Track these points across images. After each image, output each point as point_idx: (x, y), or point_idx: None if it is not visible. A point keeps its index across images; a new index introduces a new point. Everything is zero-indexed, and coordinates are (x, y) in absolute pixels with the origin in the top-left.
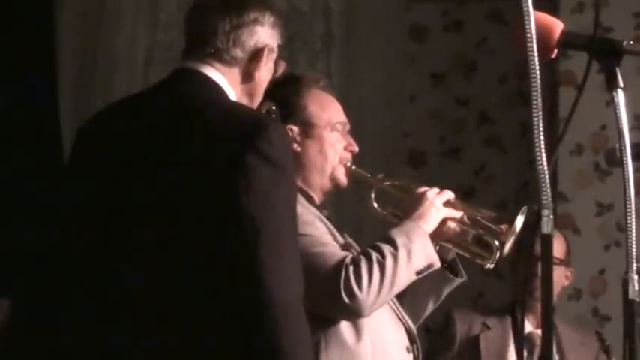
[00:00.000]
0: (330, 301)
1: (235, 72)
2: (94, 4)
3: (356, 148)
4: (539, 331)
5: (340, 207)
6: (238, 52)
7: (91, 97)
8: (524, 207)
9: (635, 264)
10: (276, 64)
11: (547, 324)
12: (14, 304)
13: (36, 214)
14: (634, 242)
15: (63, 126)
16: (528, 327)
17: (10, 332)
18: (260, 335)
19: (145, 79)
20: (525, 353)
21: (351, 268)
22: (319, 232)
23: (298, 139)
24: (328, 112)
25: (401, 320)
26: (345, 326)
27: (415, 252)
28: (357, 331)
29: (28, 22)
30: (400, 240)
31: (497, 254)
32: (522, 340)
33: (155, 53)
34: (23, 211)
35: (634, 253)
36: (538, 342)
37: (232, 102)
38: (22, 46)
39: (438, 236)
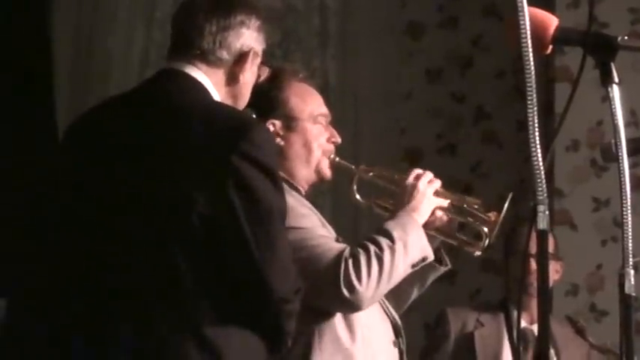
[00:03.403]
0: (330, 294)
1: (220, 74)
2: (89, 2)
3: (338, 139)
4: (533, 327)
5: (336, 199)
6: (224, 54)
7: (87, 96)
8: (511, 194)
9: (631, 259)
10: (259, 68)
11: (544, 319)
12: (10, 304)
13: (33, 215)
14: (630, 237)
15: (59, 124)
16: (522, 323)
17: (7, 332)
18: (258, 322)
19: (141, 77)
20: (520, 349)
21: (350, 262)
22: (314, 224)
23: (281, 133)
24: (310, 105)
25: (387, 314)
26: (338, 321)
27: (411, 245)
28: (349, 325)
29: (23, 21)
30: (396, 233)
31: (486, 242)
32: (518, 336)
33: (151, 51)
34: (21, 212)
35: (630, 249)
36: (532, 338)
37: (216, 102)
38: (18, 45)
39: (427, 226)
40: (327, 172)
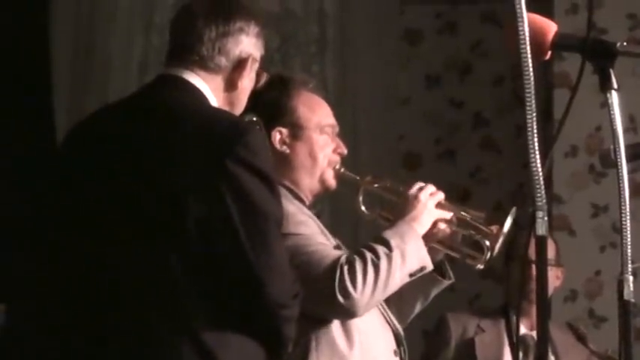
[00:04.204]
0: (325, 300)
1: (218, 80)
2: (88, 7)
3: (344, 151)
4: (533, 333)
5: (336, 209)
6: (223, 61)
7: (86, 100)
8: (514, 208)
9: (630, 265)
10: (258, 74)
11: (543, 325)
12: (10, 306)
13: (30, 217)
14: (629, 243)
15: (58, 129)
16: (522, 329)
17: (7, 332)
18: (257, 327)
19: (140, 81)
20: (520, 355)
21: (345, 268)
22: (312, 231)
23: (287, 141)
24: (317, 115)
25: (388, 323)
26: (335, 327)
27: (409, 254)
28: (347, 332)
29: (23, 25)
30: (394, 241)
31: (488, 255)
32: (517, 342)
33: (150, 56)
34: (19, 212)
35: (629, 255)
36: (532, 344)
37: (213, 108)
38: (17, 48)
39: (429, 238)
40: (332, 183)
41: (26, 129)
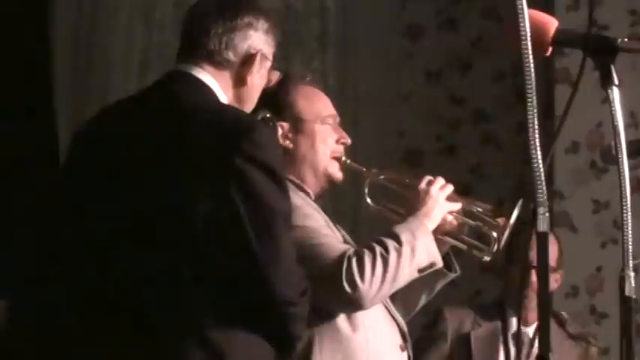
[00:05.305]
0: (332, 291)
1: (227, 75)
2: (89, 6)
3: (348, 140)
4: (527, 330)
5: (337, 203)
6: (231, 55)
7: (87, 97)
8: (521, 200)
9: (631, 261)
10: (270, 72)
11: (544, 324)
12: (12, 305)
13: (31, 214)
14: (630, 239)
15: (59, 126)
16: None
17: (7, 333)
18: (264, 325)
19: (141, 78)
20: (514, 352)
21: (353, 260)
22: (319, 224)
23: (290, 135)
24: (317, 106)
25: (393, 318)
26: (341, 321)
27: (419, 249)
28: (353, 326)
29: (23, 22)
30: (404, 237)
31: (495, 246)
32: (518, 340)
33: (151, 53)
34: (19, 211)
35: (630, 251)
36: (526, 340)
37: (222, 104)
38: (18, 48)
39: (437, 229)
40: (337, 174)
41: (26, 129)
